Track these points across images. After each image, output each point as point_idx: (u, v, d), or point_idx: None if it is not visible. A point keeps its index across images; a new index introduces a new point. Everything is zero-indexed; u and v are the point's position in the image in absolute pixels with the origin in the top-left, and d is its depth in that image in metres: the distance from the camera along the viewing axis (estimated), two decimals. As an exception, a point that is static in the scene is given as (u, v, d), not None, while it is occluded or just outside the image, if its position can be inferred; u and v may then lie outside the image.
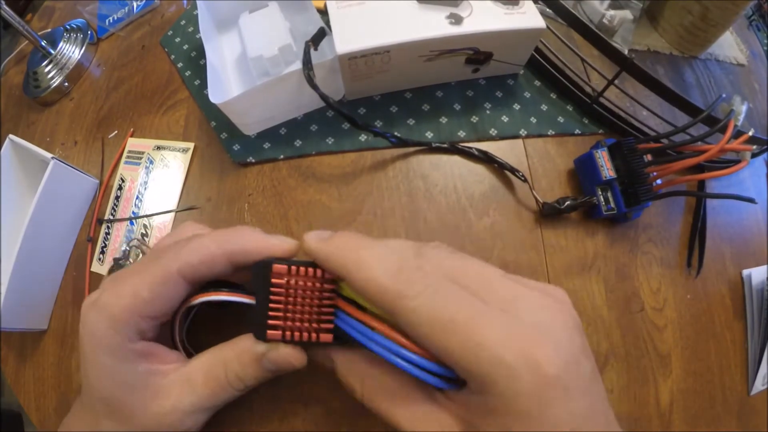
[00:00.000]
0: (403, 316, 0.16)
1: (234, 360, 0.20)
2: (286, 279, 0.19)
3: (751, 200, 0.29)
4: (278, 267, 0.19)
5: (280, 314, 0.19)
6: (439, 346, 0.16)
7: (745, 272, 0.32)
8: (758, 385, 0.30)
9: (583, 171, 0.32)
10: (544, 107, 0.35)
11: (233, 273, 0.21)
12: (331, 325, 0.20)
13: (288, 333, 0.19)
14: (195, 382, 0.20)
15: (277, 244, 0.21)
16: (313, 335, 0.19)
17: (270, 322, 0.19)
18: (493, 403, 0.15)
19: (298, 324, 0.19)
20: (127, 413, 0.19)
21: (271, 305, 0.19)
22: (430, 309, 0.16)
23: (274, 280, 0.19)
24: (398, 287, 0.16)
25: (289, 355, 0.20)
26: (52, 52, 0.43)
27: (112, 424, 0.19)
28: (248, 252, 0.20)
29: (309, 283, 0.19)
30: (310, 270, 0.19)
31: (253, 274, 0.20)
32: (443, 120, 0.35)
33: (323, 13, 0.32)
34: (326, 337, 0.19)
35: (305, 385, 0.27)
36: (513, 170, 0.32)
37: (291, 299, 0.19)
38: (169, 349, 0.21)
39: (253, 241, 0.20)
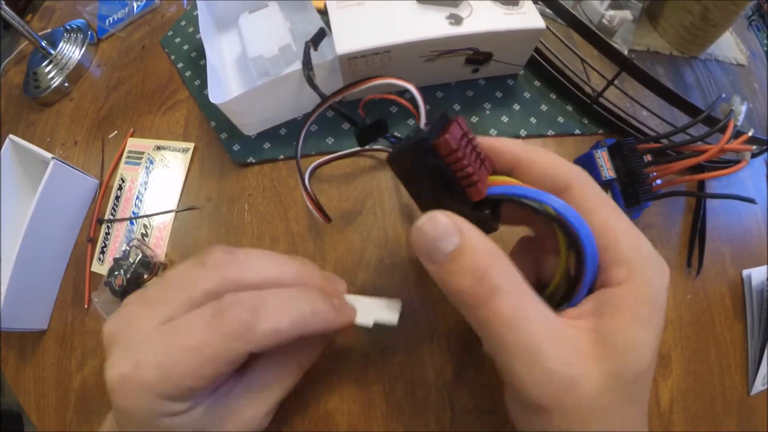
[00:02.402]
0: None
1: (304, 346, 0.20)
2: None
3: (751, 200, 0.29)
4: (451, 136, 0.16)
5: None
6: None
7: (745, 272, 0.32)
8: (758, 385, 0.30)
9: (583, 171, 0.31)
10: (543, 107, 0.35)
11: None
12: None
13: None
14: (268, 386, 0.19)
15: (345, 322, 0.19)
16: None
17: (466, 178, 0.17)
18: None
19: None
20: None
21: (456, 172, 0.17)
22: None
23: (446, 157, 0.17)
24: None
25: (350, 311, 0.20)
26: (53, 52, 0.43)
27: None
28: (318, 329, 0.18)
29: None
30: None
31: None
32: (443, 120, 0.35)
33: (323, 13, 0.32)
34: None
35: (305, 385, 0.27)
36: (513, 170, 0.32)
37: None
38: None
39: (325, 318, 0.18)
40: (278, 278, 0.19)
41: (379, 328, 0.21)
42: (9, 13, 0.39)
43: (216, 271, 0.17)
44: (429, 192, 0.19)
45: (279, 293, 0.18)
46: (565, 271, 0.17)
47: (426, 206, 0.20)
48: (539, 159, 0.18)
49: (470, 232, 0.16)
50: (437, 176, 0.17)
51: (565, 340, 0.15)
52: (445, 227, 0.16)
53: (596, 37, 0.29)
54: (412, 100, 0.22)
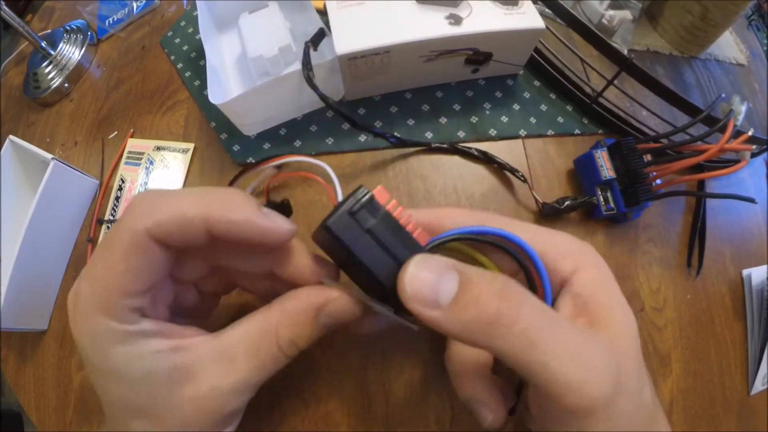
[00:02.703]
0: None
1: (287, 323, 0.18)
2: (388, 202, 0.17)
3: (751, 200, 0.29)
4: (380, 191, 0.17)
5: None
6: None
7: (745, 272, 0.32)
8: (758, 385, 0.30)
9: (583, 171, 0.32)
10: (543, 107, 0.35)
11: (208, 247, 0.17)
12: None
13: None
14: (235, 357, 0.17)
15: (271, 227, 0.17)
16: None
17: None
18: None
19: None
20: (155, 406, 0.16)
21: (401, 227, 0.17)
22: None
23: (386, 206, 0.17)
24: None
25: (349, 304, 0.18)
26: (52, 53, 0.43)
27: (143, 423, 0.16)
28: (232, 225, 0.16)
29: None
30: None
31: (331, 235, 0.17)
32: (443, 120, 0.35)
33: (323, 13, 0.32)
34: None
35: (305, 385, 0.27)
36: (513, 170, 0.32)
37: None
38: (185, 326, 0.18)
39: (242, 213, 0.16)
40: (182, 220, 0.16)
41: (395, 327, 0.20)
42: (9, 14, 0.39)
43: (120, 225, 0.17)
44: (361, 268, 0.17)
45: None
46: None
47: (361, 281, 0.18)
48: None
49: (461, 264, 0.16)
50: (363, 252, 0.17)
51: (588, 343, 0.15)
52: (439, 266, 0.15)
53: (596, 37, 0.29)
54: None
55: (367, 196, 0.17)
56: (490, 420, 0.19)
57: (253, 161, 0.34)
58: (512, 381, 0.22)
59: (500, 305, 0.14)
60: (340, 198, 0.18)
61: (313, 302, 0.18)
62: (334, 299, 0.18)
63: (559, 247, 0.19)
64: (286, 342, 0.18)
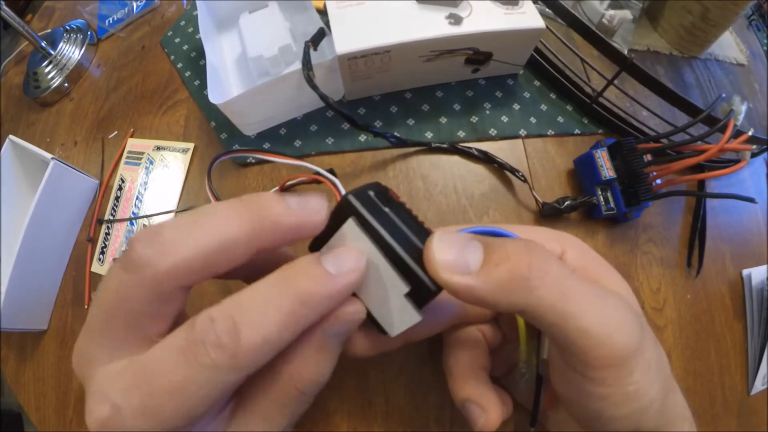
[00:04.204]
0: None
1: (300, 368, 0.16)
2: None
3: (751, 200, 0.29)
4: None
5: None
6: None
7: (745, 272, 0.32)
8: (758, 385, 0.30)
9: (583, 171, 0.31)
10: (543, 107, 0.35)
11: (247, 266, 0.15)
12: None
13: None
14: (270, 417, 0.16)
15: (310, 218, 0.15)
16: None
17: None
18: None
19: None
20: None
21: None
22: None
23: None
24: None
25: (354, 305, 0.16)
26: (52, 52, 0.43)
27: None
28: (283, 231, 0.15)
29: None
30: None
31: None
32: (443, 120, 0.35)
33: (323, 13, 0.32)
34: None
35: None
36: (513, 170, 0.32)
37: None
38: None
39: (289, 215, 0.15)
40: (226, 245, 0.14)
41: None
42: (9, 14, 0.39)
43: (143, 272, 0.13)
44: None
45: (255, 291, 0.14)
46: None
47: None
48: None
49: (478, 236, 0.16)
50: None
51: (609, 296, 0.16)
52: (460, 237, 0.15)
53: (596, 37, 0.29)
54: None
55: (381, 186, 0.17)
56: (482, 422, 0.19)
57: (253, 161, 0.34)
58: (517, 386, 0.22)
59: (530, 260, 0.15)
60: (342, 191, 0.17)
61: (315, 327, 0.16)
62: (336, 315, 0.16)
63: (544, 236, 0.20)
64: (307, 385, 0.16)
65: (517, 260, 0.15)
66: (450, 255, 0.15)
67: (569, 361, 0.16)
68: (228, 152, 0.23)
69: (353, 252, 0.15)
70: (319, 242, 0.17)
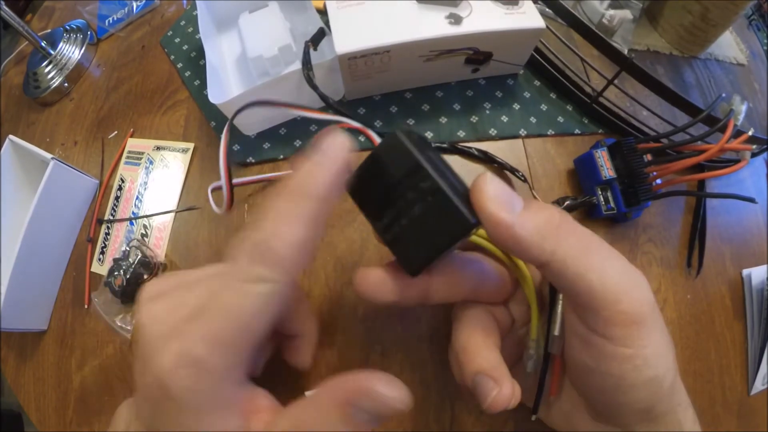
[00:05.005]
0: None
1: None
2: None
3: (751, 200, 0.29)
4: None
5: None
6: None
7: (745, 272, 0.32)
8: (758, 385, 0.30)
9: (583, 171, 0.31)
10: (543, 107, 0.35)
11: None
12: None
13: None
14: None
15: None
16: None
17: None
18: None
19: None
20: None
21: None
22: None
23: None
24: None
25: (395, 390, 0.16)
26: (52, 52, 0.43)
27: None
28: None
29: None
30: None
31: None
32: (443, 120, 0.35)
33: (323, 13, 0.32)
34: None
35: (305, 385, 0.27)
36: (513, 170, 0.32)
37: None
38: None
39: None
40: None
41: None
42: (9, 13, 0.39)
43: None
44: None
45: (275, 204, 0.16)
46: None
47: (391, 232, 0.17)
48: None
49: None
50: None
51: (627, 262, 0.17)
52: (504, 184, 0.16)
53: (596, 37, 0.29)
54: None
55: (421, 134, 0.18)
56: (494, 395, 0.18)
57: (253, 161, 0.34)
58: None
59: (561, 216, 0.17)
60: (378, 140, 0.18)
61: (338, 396, 0.16)
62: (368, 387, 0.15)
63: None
64: None
65: (551, 213, 0.16)
66: (500, 192, 0.16)
67: (589, 322, 0.17)
68: (254, 102, 0.22)
69: (335, 136, 0.17)
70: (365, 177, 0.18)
